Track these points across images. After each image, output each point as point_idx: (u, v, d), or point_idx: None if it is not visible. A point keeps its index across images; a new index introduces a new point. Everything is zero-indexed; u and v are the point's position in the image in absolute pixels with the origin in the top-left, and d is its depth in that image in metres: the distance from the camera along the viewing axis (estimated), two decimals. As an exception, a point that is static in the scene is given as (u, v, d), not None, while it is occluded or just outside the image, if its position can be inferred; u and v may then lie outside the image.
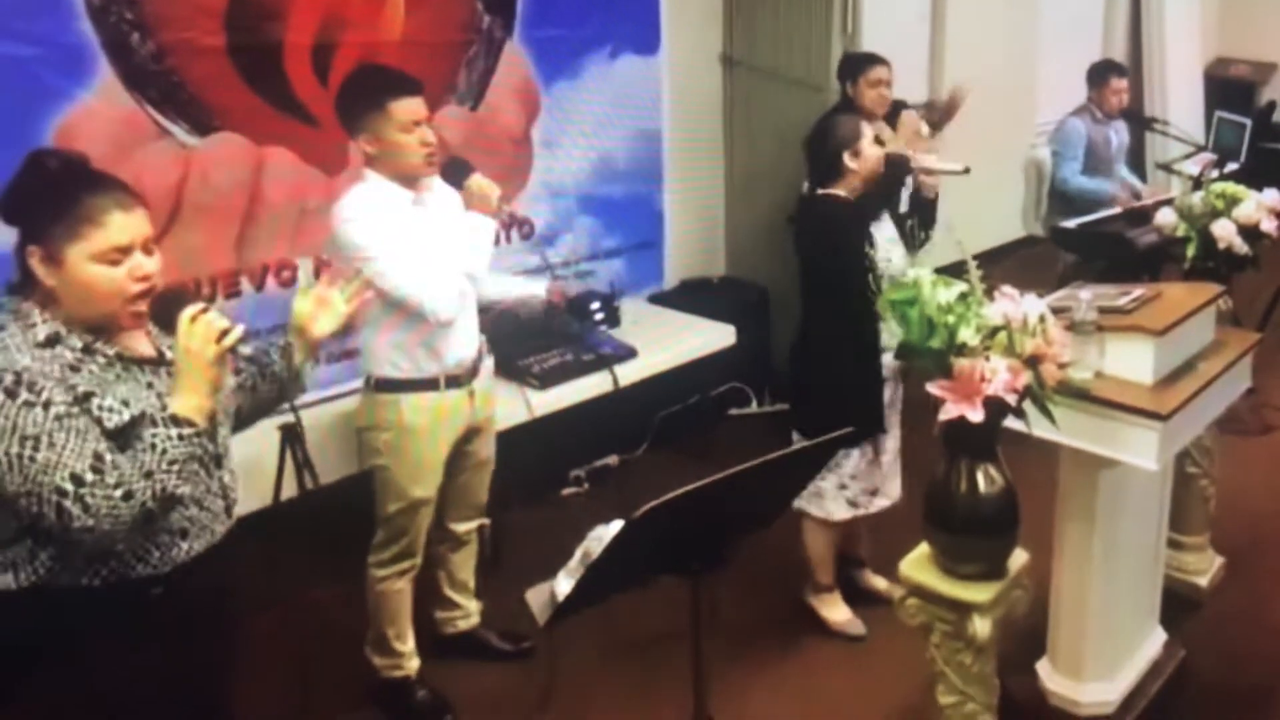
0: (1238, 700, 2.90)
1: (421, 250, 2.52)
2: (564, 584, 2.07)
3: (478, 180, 2.66)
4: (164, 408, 1.68)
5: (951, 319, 2.11)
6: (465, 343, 2.69)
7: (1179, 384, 2.52)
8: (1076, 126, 4.98)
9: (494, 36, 3.98)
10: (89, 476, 1.57)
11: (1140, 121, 5.76)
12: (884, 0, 5.34)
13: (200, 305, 1.72)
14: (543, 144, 4.19)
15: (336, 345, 3.52)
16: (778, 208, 4.39)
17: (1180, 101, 7.69)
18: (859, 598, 3.24)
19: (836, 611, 3.19)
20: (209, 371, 1.69)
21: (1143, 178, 6.24)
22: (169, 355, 1.78)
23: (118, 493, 1.59)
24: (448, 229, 2.62)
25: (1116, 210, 4.78)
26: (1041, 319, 2.11)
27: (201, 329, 1.68)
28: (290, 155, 3.43)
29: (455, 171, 2.68)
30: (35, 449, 1.56)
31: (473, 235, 2.61)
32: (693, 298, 4.58)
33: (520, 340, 3.66)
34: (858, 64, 4.09)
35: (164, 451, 1.63)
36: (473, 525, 2.93)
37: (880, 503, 3.06)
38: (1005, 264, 5.72)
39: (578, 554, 2.09)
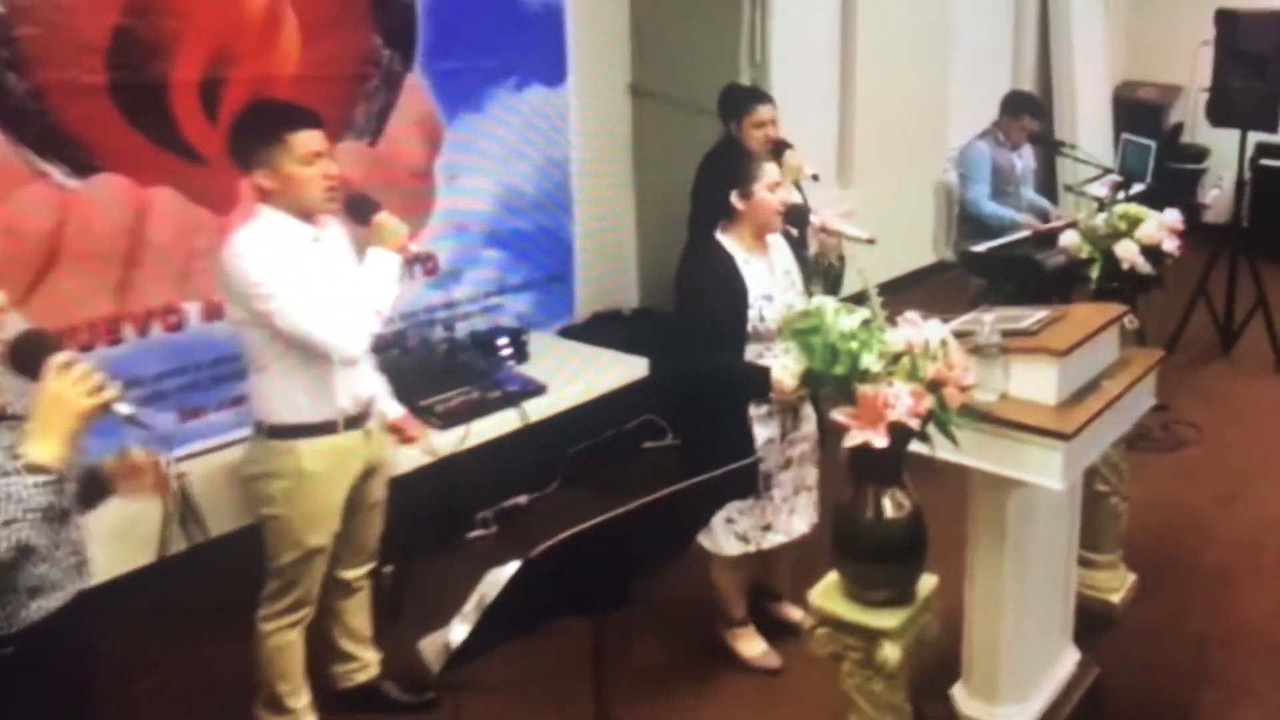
0: (1153, 715, 2.99)
1: (323, 287, 2.49)
2: (458, 631, 2.04)
3: (386, 217, 2.64)
4: (14, 458, 1.64)
5: (854, 346, 2.16)
6: (363, 380, 2.68)
7: (1083, 403, 2.59)
8: (981, 149, 5.13)
9: (393, 70, 3.99)
10: None
11: (1048, 145, 5.96)
12: (793, 29, 5.48)
13: (70, 354, 1.70)
14: (446, 178, 4.21)
15: (225, 392, 3.47)
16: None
17: (1089, 124, 7.99)
18: (775, 630, 3.25)
19: (750, 646, 3.20)
20: (76, 423, 1.67)
21: (1053, 200, 6.44)
22: (9, 409, 1.75)
23: None
24: (347, 266, 2.61)
25: (1025, 233, 4.92)
26: (943, 343, 2.17)
27: (77, 379, 1.66)
28: (176, 195, 3.40)
29: (361, 208, 2.67)
30: None
31: (380, 272, 2.59)
32: (605, 330, 4.61)
33: (422, 379, 3.64)
34: (739, 102, 4.05)
35: (21, 500, 1.60)
36: (363, 571, 2.89)
37: (775, 538, 3.05)
38: (918, 289, 5.86)
39: (473, 598, 2.06)
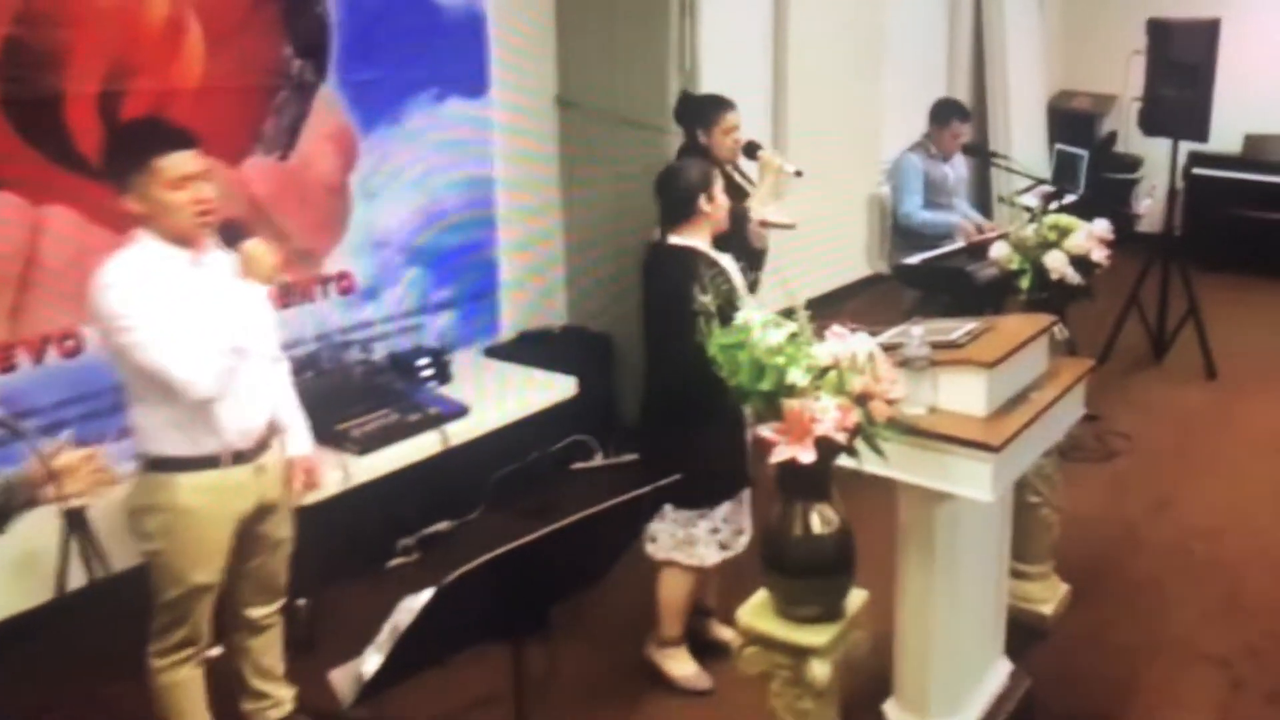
0: None
1: (194, 318, 2.45)
2: (371, 661, 2.05)
3: (253, 245, 2.60)
4: None
5: (781, 360, 2.21)
6: (251, 413, 2.63)
7: (1012, 415, 2.67)
8: (913, 161, 5.26)
9: (305, 81, 3.99)
10: None
11: (980, 155, 6.12)
12: (723, 38, 5.57)
13: None
14: (363, 193, 4.20)
15: (126, 420, 3.41)
16: (620, 253, 4.49)
17: (1024, 135, 8.21)
18: (706, 650, 3.30)
19: (682, 666, 3.24)
20: None
21: (987, 211, 6.62)
22: None
23: None
24: (225, 295, 2.54)
25: (959, 245, 5.06)
26: (870, 356, 2.23)
27: None
28: (73, 214, 3.35)
29: (229, 235, 2.63)
30: None
31: (243, 306, 2.56)
32: (533, 349, 4.63)
33: (338, 402, 3.62)
34: (708, 110, 4.12)
35: None
36: (272, 609, 2.87)
37: (744, 540, 3.16)
38: (853, 302, 6.00)
39: (386, 627, 2.09)
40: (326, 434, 3.39)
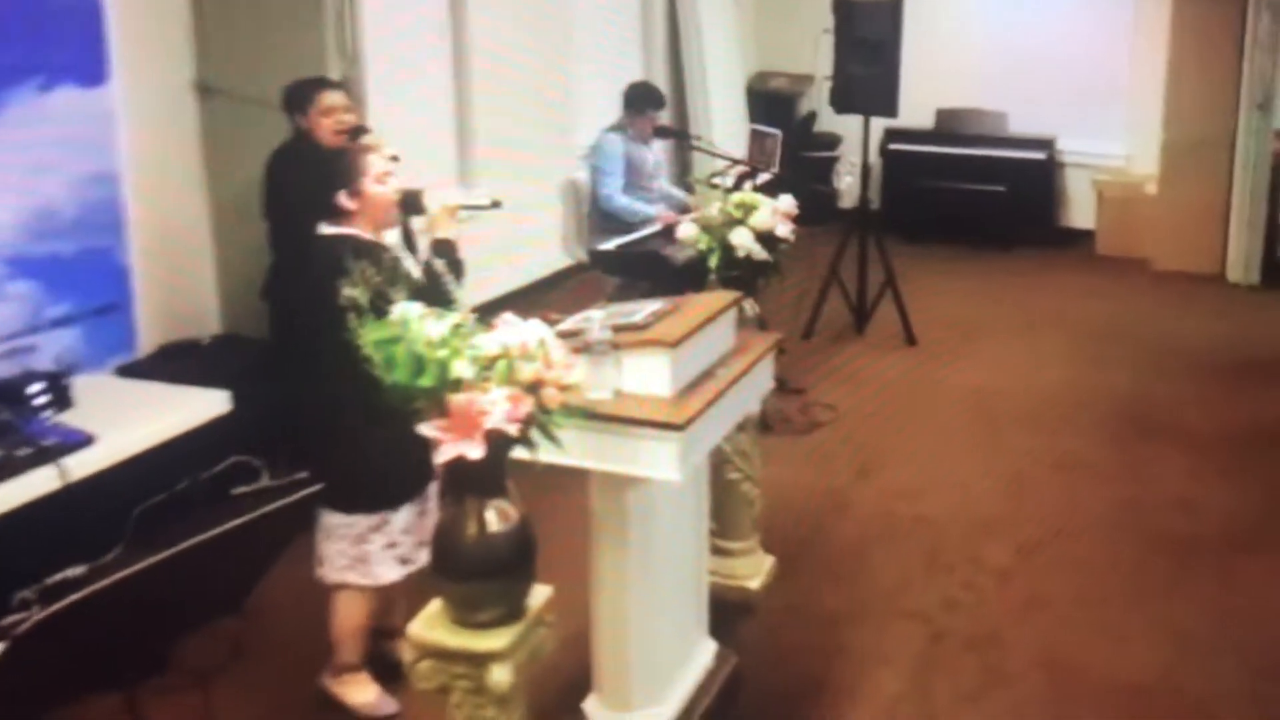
0: (791, 695, 3.28)
1: None
2: (-60, 725, 1.86)
3: None
4: None
5: (443, 354, 2.18)
6: None
7: (698, 392, 2.78)
8: (614, 141, 5.43)
9: None
10: None
11: (675, 137, 6.35)
12: (391, 18, 5.51)
13: None
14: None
15: None
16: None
17: (725, 116, 8.62)
18: (392, 672, 3.22)
19: (362, 692, 3.19)
20: None
21: (689, 193, 6.90)
22: None
23: None
24: None
25: (655, 229, 5.23)
26: (541, 343, 2.24)
27: None
28: None
29: None
30: None
31: None
32: (178, 364, 4.43)
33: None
34: (304, 92, 4.14)
35: None
36: None
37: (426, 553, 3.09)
38: (556, 292, 6.07)
39: None
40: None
